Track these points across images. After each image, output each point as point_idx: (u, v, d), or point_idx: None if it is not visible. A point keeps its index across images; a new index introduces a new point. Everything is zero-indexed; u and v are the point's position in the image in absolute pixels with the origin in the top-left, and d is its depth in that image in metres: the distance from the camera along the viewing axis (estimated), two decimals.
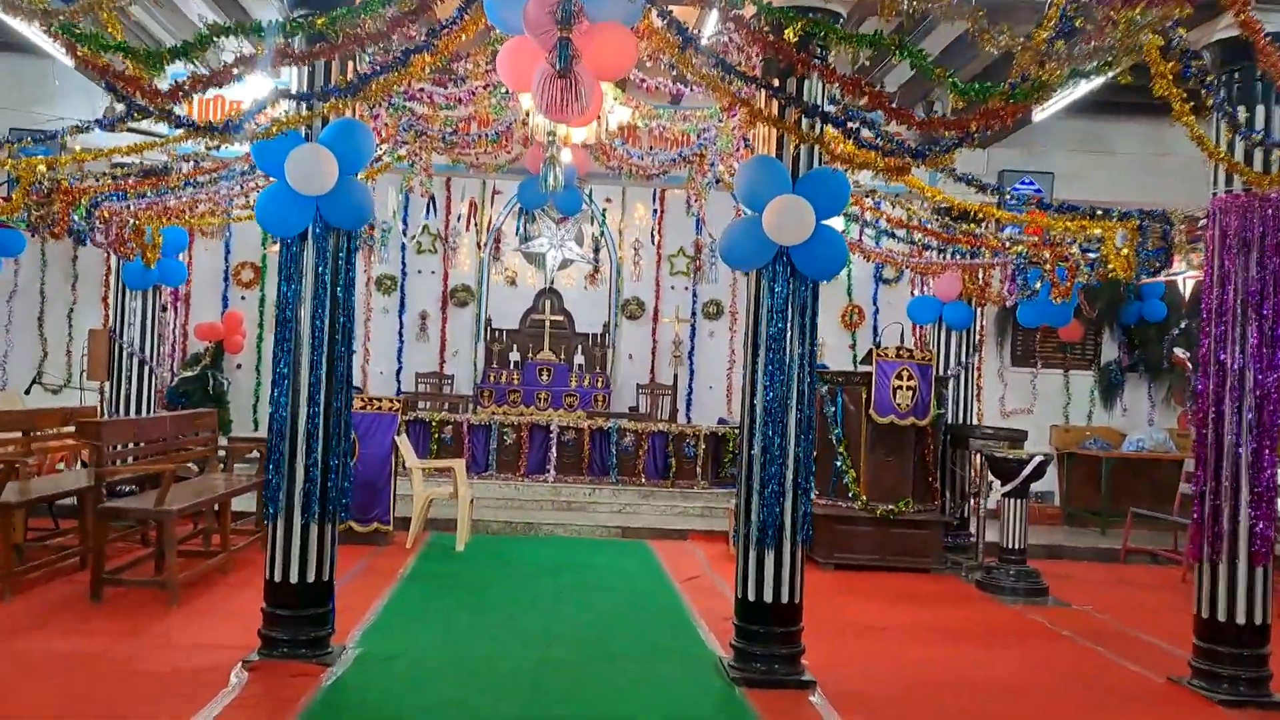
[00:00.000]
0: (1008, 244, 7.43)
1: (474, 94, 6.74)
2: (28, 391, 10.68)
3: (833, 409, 9.01)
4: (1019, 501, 8.33)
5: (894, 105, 4.53)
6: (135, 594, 6.38)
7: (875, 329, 13.78)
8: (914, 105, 8.15)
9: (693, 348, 13.80)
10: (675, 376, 13.47)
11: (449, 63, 6.02)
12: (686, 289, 13.87)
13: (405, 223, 13.22)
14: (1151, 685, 5.85)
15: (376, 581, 7.26)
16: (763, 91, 5.23)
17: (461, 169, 9.33)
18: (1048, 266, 7.58)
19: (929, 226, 7.78)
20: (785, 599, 5.38)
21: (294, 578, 5.21)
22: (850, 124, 4.87)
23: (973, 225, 7.96)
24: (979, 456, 9.01)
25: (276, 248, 5.31)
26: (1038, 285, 7.82)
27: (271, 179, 5.16)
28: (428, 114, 7.59)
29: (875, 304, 13.88)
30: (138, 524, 7.17)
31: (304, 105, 5.04)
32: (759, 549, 5.37)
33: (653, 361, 13.78)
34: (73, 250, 11.17)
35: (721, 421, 12.95)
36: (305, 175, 4.95)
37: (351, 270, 5.37)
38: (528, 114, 7.02)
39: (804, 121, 5.14)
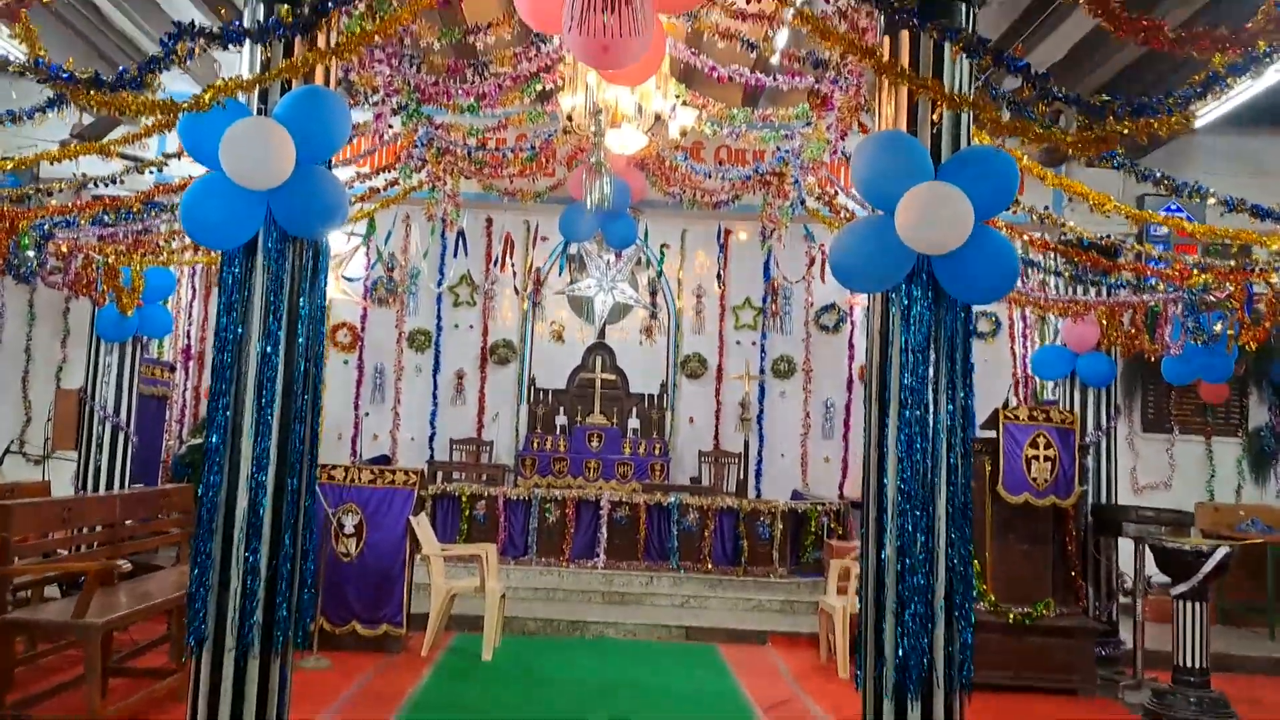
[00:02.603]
0: (1194, 271, 5.73)
1: (501, 87, 5.31)
2: (0, 462, 9.42)
3: None
4: (1197, 605, 6.46)
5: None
6: None
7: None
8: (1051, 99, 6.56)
9: (761, 410, 12.17)
10: (746, 443, 11.80)
11: (463, 34, 4.60)
12: (754, 344, 12.31)
13: (442, 272, 11.88)
14: None
15: (373, 713, 5.63)
16: (888, 39, 3.71)
17: (495, 198, 7.95)
18: (1233, 302, 5.85)
19: (1091, 249, 6.10)
20: None
21: None
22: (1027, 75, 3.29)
23: (1147, 247, 6.27)
24: (1141, 546, 7.17)
25: None
26: (1218, 328, 6.08)
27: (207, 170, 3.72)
28: (449, 122, 6.20)
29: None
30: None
31: (250, 63, 3.62)
32: (897, 698, 3.67)
33: (716, 426, 12.17)
34: (64, 302, 9.98)
35: (796, 495, 11.24)
36: (248, 161, 3.51)
37: (320, 297, 3.89)
38: (569, 117, 5.57)
39: (953, 73, 3.60)
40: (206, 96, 3.37)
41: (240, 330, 3.71)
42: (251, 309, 3.72)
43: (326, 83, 3.81)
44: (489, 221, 11.94)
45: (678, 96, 5.70)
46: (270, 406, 3.69)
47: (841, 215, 6.76)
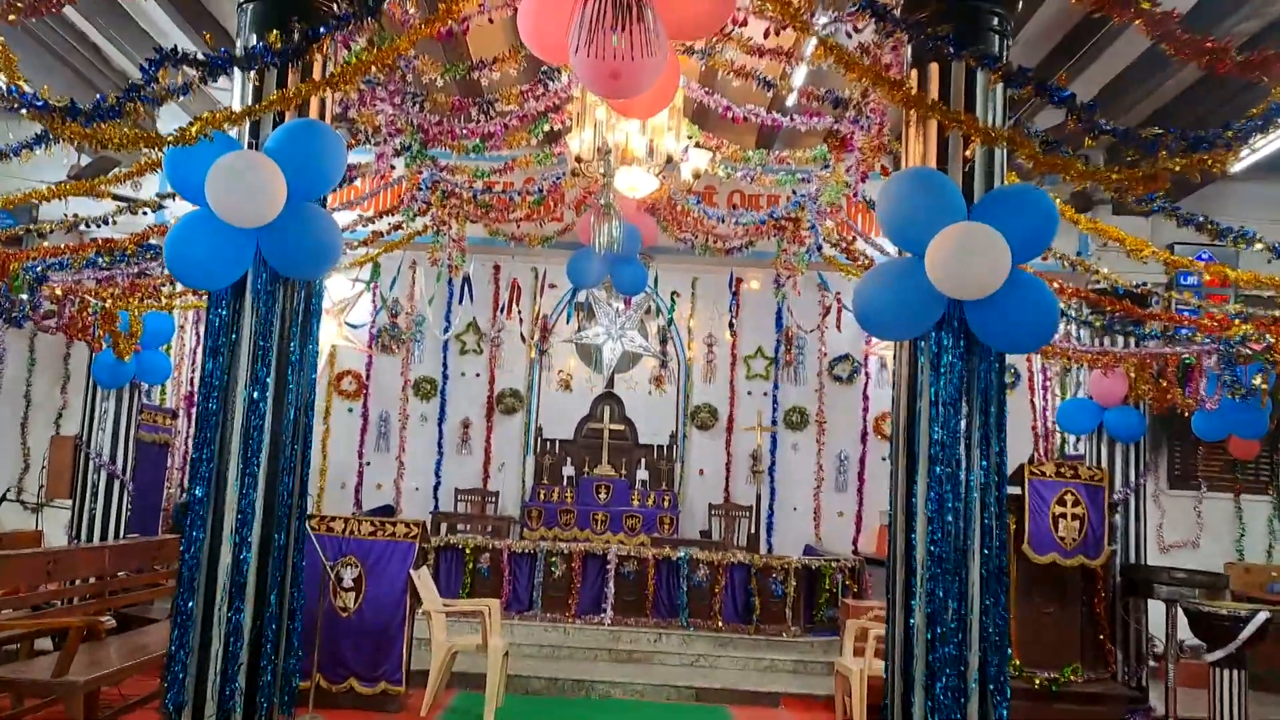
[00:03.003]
0: (1235, 321, 5.47)
1: (507, 127, 5.15)
2: None
3: None
4: (1236, 673, 6.13)
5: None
6: None
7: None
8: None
9: (773, 462, 11.85)
10: (758, 496, 11.47)
11: (468, 70, 4.44)
12: (765, 394, 12.03)
13: (448, 319, 11.70)
14: None
15: None
16: (915, 71, 3.53)
17: (502, 243, 7.78)
18: (1275, 354, 5.59)
19: (1124, 297, 5.86)
20: None
21: None
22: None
23: (1187, 294, 6.03)
24: (1173, 609, 6.82)
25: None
26: (1257, 380, 5.81)
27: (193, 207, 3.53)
28: (454, 164, 6.05)
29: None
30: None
31: (243, 97, 3.45)
32: None
33: (727, 478, 11.86)
34: (64, 348, 9.81)
35: (809, 550, 10.90)
36: (235, 196, 3.32)
37: (312, 342, 3.67)
38: (578, 158, 5.40)
39: (985, 107, 3.41)
40: (193, 129, 3.19)
41: (226, 376, 3.49)
42: (239, 353, 3.50)
43: (321, 116, 3.64)
44: (496, 269, 11.78)
45: (690, 137, 5.53)
46: (256, 457, 3.45)
47: (860, 261, 6.55)
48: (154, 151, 3.13)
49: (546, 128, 5.48)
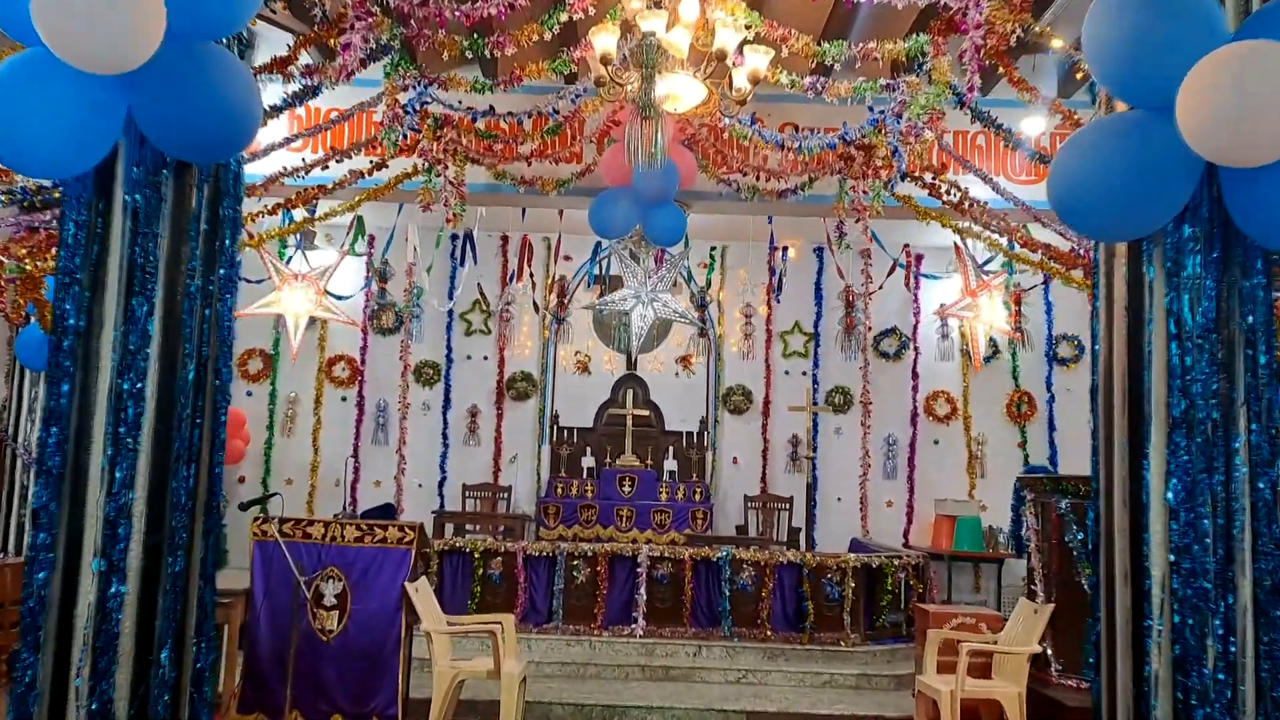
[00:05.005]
0: None
1: (513, 8, 3.92)
2: None
3: (1081, 536, 5.74)
4: None
5: None
6: None
7: (1051, 422, 10.66)
8: None
9: (814, 448, 10.63)
10: (808, 486, 10.24)
11: None
12: (804, 373, 10.86)
13: (451, 294, 10.50)
14: None
15: None
16: None
17: (510, 189, 6.50)
18: None
19: None
20: None
21: None
22: None
23: None
24: None
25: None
26: None
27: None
28: (445, 77, 4.82)
29: (1049, 390, 10.78)
30: None
31: None
32: None
33: (764, 467, 10.68)
34: (9, 328, 8.64)
35: (856, 545, 9.68)
36: (80, 19, 2.09)
37: (224, 264, 2.45)
38: (604, 59, 4.15)
39: None
40: None
41: (86, 317, 2.27)
42: (105, 280, 2.28)
43: None
44: (504, 240, 10.61)
45: (748, 26, 4.27)
46: (134, 438, 2.24)
47: (949, 198, 5.30)
48: None
49: (563, 17, 4.25)
